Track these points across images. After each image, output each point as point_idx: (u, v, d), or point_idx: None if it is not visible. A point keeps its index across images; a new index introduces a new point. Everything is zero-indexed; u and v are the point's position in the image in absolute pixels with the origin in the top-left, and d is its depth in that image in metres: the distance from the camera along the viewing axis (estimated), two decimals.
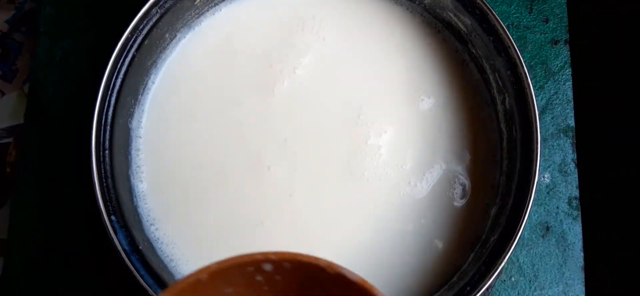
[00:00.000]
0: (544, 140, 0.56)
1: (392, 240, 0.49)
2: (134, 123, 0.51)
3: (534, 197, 0.46)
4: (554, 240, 0.55)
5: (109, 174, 0.46)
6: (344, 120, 0.52)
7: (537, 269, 0.54)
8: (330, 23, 0.54)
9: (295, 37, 0.53)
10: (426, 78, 0.53)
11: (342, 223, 0.50)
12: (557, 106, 0.57)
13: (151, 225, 0.49)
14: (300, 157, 0.51)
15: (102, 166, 0.46)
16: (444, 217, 0.50)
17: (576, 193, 0.56)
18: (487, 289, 0.45)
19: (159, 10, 0.49)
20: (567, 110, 0.57)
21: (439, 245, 0.50)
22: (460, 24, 0.52)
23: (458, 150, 0.52)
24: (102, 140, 0.46)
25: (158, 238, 0.49)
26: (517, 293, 0.54)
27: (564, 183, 0.56)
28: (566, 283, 0.54)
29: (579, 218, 0.55)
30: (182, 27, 0.52)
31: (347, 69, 0.53)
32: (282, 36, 0.53)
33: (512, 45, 0.48)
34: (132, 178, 0.50)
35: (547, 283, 0.54)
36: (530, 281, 0.54)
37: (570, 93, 0.58)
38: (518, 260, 0.54)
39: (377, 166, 0.51)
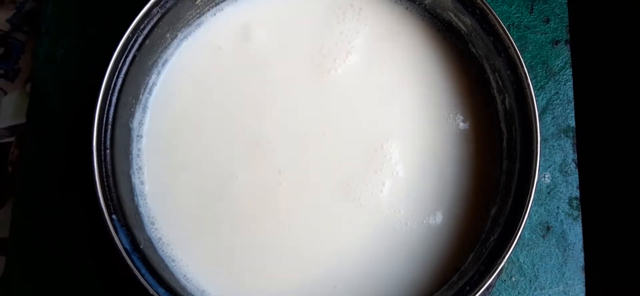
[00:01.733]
0: (544, 140, 0.56)
1: (390, 242, 0.50)
2: (135, 123, 0.51)
3: (534, 196, 0.46)
4: (554, 240, 0.55)
5: (110, 173, 0.46)
6: (366, 142, 0.51)
7: (538, 269, 0.54)
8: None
9: (306, 38, 0.54)
10: (458, 100, 0.53)
11: (338, 228, 0.50)
12: (557, 106, 0.57)
13: (152, 224, 0.49)
14: (310, 165, 0.51)
15: (103, 165, 0.46)
16: (443, 222, 0.50)
17: (577, 193, 0.56)
18: (487, 289, 0.45)
19: (159, 10, 0.49)
20: (568, 110, 0.57)
21: (437, 245, 0.50)
22: (460, 24, 0.52)
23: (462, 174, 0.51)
24: (103, 139, 0.46)
25: (159, 238, 0.49)
26: (517, 293, 0.54)
27: (565, 183, 0.56)
28: (566, 283, 0.54)
29: (580, 219, 0.55)
30: (183, 26, 0.52)
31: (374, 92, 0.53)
32: (292, 36, 0.53)
33: (512, 45, 0.48)
34: (133, 177, 0.50)
35: (548, 283, 0.54)
36: (530, 281, 0.54)
37: (571, 93, 0.58)
38: (518, 259, 0.54)
39: (375, 200, 0.50)
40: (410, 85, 0.53)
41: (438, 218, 0.50)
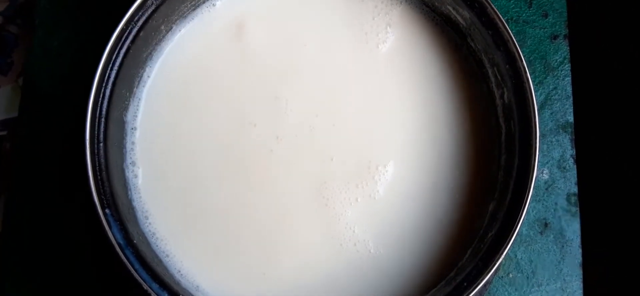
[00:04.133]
0: (542, 135, 0.56)
1: (333, 254, 0.49)
2: (129, 116, 0.50)
3: (532, 193, 0.46)
4: (552, 236, 0.54)
5: (103, 167, 0.46)
6: (364, 155, 0.51)
7: (535, 265, 0.54)
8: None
9: (300, 36, 0.53)
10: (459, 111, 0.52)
11: (295, 218, 0.50)
12: (556, 102, 0.57)
13: (146, 218, 0.49)
14: (304, 147, 0.50)
15: (97, 159, 0.45)
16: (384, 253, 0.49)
17: (575, 189, 0.55)
18: (484, 285, 0.45)
19: (154, 2, 0.48)
20: (567, 106, 0.57)
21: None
22: (459, 18, 0.51)
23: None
24: (96, 132, 0.46)
25: (153, 233, 0.49)
26: (515, 289, 0.53)
27: (563, 180, 0.55)
28: (564, 279, 0.54)
29: (578, 215, 0.55)
30: (177, 19, 0.52)
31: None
32: (288, 34, 0.53)
33: (511, 39, 0.48)
34: (126, 171, 0.49)
35: (545, 279, 0.54)
36: (528, 278, 0.54)
37: (569, 88, 0.57)
38: (516, 256, 0.54)
39: (341, 209, 0.50)
40: (413, 96, 0.52)
41: (379, 250, 0.49)
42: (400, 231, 0.49)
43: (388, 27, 0.53)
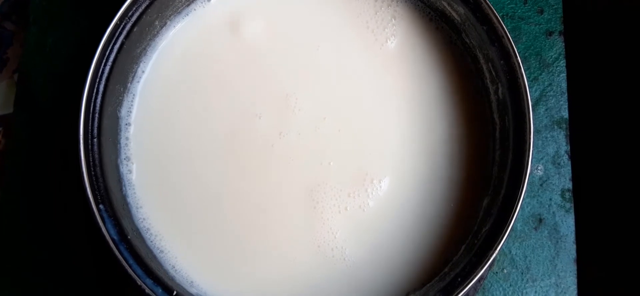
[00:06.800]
0: (537, 131, 0.56)
1: (311, 256, 0.49)
2: (123, 112, 0.50)
3: (527, 188, 0.46)
4: (546, 232, 0.54)
5: (97, 163, 0.46)
6: (363, 166, 0.50)
7: (530, 261, 0.54)
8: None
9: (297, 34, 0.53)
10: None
11: (285, 215, 0.50)
12: (551, 97, 0.57)
13: (140, 214, 0.49)
14: (306, 147, 0.50)
15: (90, 154, 0.45)
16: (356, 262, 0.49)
17: (569, 185, 0.55)
18: (478, 280, 0.45)
19: None
20: (561, 102, 0.57)
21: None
22: (453, 13, 0.51)
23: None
24: (90, 128, 0.46)
25: (147, 228, 0.48)
26: (509, 285, 0.54)
27: (557, 175, 0.56)
28: (558, 275, 0.54)
29: (572, 211, 0.55)
30: (172, 14, 0.52)
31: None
32: (288, 30, 0.53)
33: (506, 34, 0.48)
34: (121, 167, 0.49)
35: (540, 275, 0.54)
36: (522, 273, 0.54)
37: (564, 85, 0.57)
38: (510, 252, 0.54)
39: (328, 214, 0.49)
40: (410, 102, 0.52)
41: (353, 259, 0.49)
42: (382, 244, 0.49)
43: (393, 19, 0.53)
